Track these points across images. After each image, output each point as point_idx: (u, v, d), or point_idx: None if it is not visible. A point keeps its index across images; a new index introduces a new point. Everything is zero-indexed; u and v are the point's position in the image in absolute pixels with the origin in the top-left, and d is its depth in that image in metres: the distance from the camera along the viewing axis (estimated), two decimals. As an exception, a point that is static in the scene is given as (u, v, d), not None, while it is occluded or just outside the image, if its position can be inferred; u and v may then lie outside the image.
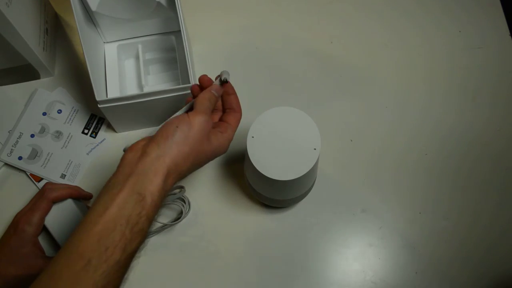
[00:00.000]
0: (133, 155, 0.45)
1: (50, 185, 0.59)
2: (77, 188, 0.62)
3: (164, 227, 0.62)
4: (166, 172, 0.44)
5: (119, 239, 0.40)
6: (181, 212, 0.63)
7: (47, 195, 0.57)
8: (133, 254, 0.42)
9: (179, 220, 0.62)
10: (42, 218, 0.57)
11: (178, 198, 0.63)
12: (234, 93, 0.53)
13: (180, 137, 0.45)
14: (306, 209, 0.65)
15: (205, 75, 0.52)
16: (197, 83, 0.53)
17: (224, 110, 0.54)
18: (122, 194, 0.42)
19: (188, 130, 0.46)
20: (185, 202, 0.63)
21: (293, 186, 0.55)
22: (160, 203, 0.44)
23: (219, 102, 0.54)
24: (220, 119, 0.53)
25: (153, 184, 0.43)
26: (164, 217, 0.64)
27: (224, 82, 0.51)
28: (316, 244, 0.63)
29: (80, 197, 0.61)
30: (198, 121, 0.47)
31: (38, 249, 0.57)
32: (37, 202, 0.57)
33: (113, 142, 0.68)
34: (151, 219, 0.43)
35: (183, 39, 0.61)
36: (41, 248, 0.57)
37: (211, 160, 0.51)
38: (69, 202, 0.59)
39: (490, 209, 0.65)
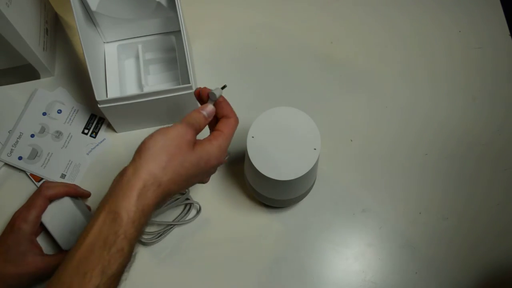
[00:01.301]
0: (118, 177, 0.44)
1: (47, 183, 0.59)
2: (74, 186, 0.62)
3: (170, 226, 0.62)
4: (141, 185, 0.42)
5: (97, 262, 0.39)
6: (183, 212, 0.63)
7: (43, 193, 0.57)
8: (114, 277, 0.40)
9: (188, 220, 0.63)
10: (38, 216, 0.57)
11: (186, 199, 0.63)
12: (224, 100, 0.51)
13: (154, 147, 0.43)
14: (306, 209, 0.65)
15: (199, 89, 0.51)
16: (197, 83, 0.52)
17: (217, 120, 0.51)
18: (101, 215, 0.41)
19: (164, 139, 0.44)
20: (191, 202, 0.63)
21: (293, 186, 0.55)
22: (141, 220, 0.42)
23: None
24: (213, 130, 0.51)
25: (127, 199, 0.41)
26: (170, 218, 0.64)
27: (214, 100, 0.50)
28: (316, 244, 0.63)
29: (77, 195, 0.61)
30: (175, 129, 0.45)
31: (36, 247, 0.57)
32: (33, 200, 0.57)
33: (113, 142, 0.68)
34: (131, 238, 0.41)
35: (183, 39, 0.61)
36: (38, 246, 0.57)
37: (206, 171, 0.48)
38: (66, 200, 0.59)
39: (490, 209, 0.65)
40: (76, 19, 0.59)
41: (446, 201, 0.66)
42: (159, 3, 0.62)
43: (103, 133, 0.68)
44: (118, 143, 0.68)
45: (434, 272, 0.62)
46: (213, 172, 0.51)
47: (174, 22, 0.66)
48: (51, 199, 0.58)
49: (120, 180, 0.42)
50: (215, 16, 0.75)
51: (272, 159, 0.52)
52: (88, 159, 0.67)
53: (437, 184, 0.66)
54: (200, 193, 0.65)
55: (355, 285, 0.61)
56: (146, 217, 0.42)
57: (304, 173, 0.52)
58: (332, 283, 0.62)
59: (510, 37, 0.74)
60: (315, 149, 0.52)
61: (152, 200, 0.43)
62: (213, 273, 0.62)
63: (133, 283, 0.61)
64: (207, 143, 0.47)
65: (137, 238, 0.42)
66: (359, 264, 0.62)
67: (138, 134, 0.68)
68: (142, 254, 0.62)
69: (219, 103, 0.50)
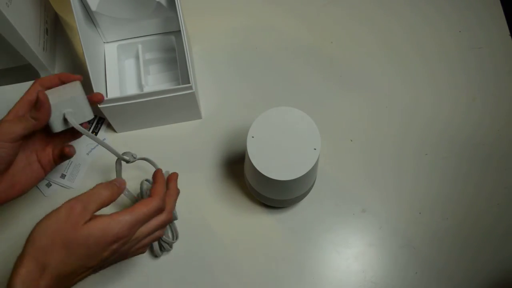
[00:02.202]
0: None
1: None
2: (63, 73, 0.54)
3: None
4: (24, 272, 0.41)
5: None
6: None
7: (37, 81, 0.51)
8: None
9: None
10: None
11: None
12: (158, 182, 0.50)
13: (39, 232, 0.43)
14: (306, 209, 0.65)
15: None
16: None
17: None
18: None
19: (47, 223, 0.43)
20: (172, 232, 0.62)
21: (293, 186, 0.55)
22: None
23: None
24: None
25: (17, 273, 0.41)
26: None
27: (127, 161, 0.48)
28: (316, 244, 0.63)
29: (68, 78, 0.54)
30: (58, 211, 0.43)
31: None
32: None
33: (113, 142, 0.68)
34: None
35: (183, 39, 0.61)
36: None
37: (104, 249, 0.44)
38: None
39: (490, 209, 0.65)
40: (76, 19, 0.59)
41: (446, 201, 0.66)
42: (159, 3, 0.62)
43: (103, 133, 0.68)
44: (118, 143, 0.68)
45: (434, 272, 0.62)
46: (124, 247, 0.46)
47: (174, 22, 0.67)
48: (45, 86, 0.52)
49: (14, 266, 0.42)
50: (215, 16, 0.75)
51: (272, 159, 0.52)
52: (88, 159, 0.67)
53: (437, 184, 0.66)
54: (200, 193, 0.65)
55: (355, 285, 0.61)
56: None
57: (304, 173, 0.52)
58: (332, 283, 0.62)
59: (510, 37, 0.74)
60: (315, 149, 0.52)
61: (42, 285, 0.41)
62: (212, 273, 0.62)
63: (133, 286, 0.61)
64: (106, 219, 0.44)
65: None
66: (359, 264, 0.62)
67: (138, 134, 0.68)
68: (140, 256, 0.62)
69: (155, 183, 0.50)
